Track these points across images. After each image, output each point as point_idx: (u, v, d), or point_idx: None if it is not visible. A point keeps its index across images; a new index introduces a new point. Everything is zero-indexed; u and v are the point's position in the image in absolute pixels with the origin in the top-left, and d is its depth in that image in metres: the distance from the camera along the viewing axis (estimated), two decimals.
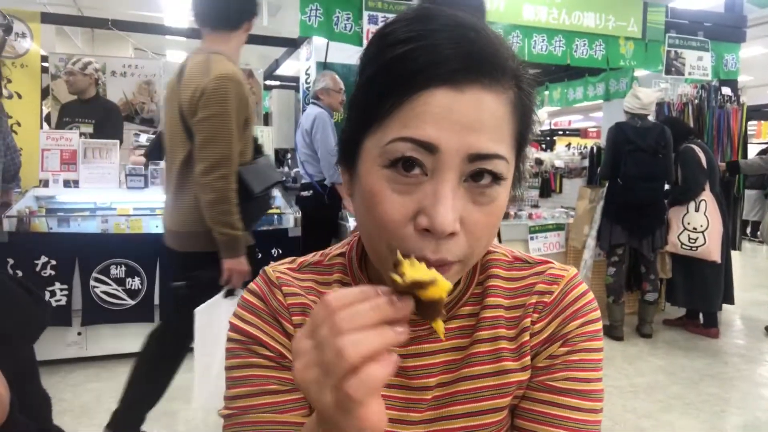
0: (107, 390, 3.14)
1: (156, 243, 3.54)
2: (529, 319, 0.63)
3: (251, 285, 0.67)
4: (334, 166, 3.91)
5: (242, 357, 0.63)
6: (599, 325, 0.64)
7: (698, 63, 5.22)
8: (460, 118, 0.49)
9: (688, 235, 4.19)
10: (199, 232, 2.11)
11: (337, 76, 4.28)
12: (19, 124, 4.48)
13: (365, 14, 4.25)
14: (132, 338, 3.56)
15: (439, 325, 0.45)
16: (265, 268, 0.68)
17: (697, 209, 4.18)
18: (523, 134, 0.55)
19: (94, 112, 4.34)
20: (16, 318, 0.71)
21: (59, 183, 3.70)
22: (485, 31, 0.52)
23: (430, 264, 0.52)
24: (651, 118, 4.27)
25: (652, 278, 4.24)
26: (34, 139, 3.88)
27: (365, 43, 4.33)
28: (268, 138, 4.33)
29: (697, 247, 4.17)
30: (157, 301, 3.53)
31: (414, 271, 0.43)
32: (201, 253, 2.14)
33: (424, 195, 0.50)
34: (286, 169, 6.36)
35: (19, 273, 3.25)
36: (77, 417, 2.85)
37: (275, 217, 3.95)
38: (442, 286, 0.43)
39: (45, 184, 3.70)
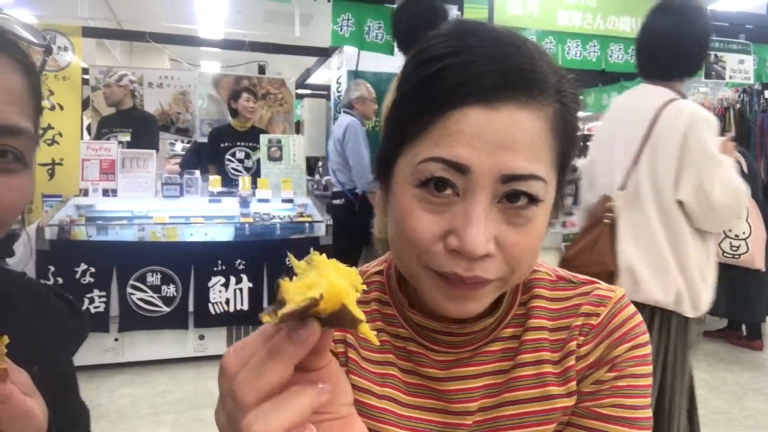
0: (142, 395, 3.19)
1: (190, 251, 3.62)
2: (574, 342, 0.60)
3: None
4: (365, 174, 3.93)
5: None
6: (648, 349, 0.60)
7: (739, 66, 5.06)
8: (494, 137, 0.47)
9: (730, 243, 4.05)
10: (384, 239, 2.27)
11: (369, 85, 4.30)
12: (60, 135, 4.62)
13: None
14: (167, 344, 3.62)
15: (365, 330, 0.37)
16: None
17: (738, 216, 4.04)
18: (565, 152, 0.53)
19: (131, 123, 4.44)
20: (56, 331, 0.72)
21: (98, 192, 3.79)
22: (525, 46, 0.50)
23: (464, 281, 0.50)
24: None
25: None
26: (75, 150, 3.99)
27: (396, 51, 4.33)
28: (299, 146, 4.38)
29: (739, 255, 4.03)
30: (191, 308, 3.58)
31: (291, 293, 0.35)
32: None
33: (455, 215, 0.49)
34: (317, 177, 6.41)
35: (60, 280, 3.34)
36: (113, 422, 2.90)
37: (307, 225, 3.97)
38: (332, 297, 0.34)
39: (85, 193, 3.80)
